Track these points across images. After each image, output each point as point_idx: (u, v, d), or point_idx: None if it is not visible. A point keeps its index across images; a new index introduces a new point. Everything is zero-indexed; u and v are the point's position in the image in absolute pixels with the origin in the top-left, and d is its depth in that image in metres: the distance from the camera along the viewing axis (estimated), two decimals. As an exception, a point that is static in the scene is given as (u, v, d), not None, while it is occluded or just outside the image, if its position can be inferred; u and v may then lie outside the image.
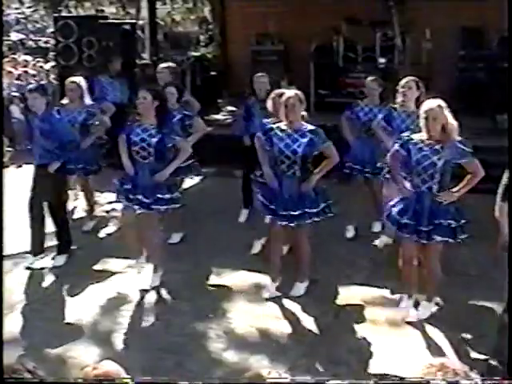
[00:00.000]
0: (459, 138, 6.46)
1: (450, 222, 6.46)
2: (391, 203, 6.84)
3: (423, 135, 6.49)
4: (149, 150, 7.46)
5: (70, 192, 9.72)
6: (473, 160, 6.49)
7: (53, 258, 8.49)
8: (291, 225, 7.18)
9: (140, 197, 7.44)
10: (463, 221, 6.56)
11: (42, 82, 14.96)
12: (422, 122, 6.46)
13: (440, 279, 6.81)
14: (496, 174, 9.28)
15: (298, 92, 7.25)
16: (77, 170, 9.32)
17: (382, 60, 14.99)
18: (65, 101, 9.69)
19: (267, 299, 7.37)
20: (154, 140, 7.43)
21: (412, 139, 6.56)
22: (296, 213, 7.07)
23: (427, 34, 14.45)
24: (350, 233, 9.16)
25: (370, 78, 9.25)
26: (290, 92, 7.24)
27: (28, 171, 8.83)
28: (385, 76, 13.98)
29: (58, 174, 8.25)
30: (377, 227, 9.11)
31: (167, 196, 7.54)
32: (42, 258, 8.46)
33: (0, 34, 12.95)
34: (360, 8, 14.65)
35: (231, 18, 17.57)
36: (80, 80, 9.60)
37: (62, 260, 8.47)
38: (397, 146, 6.72)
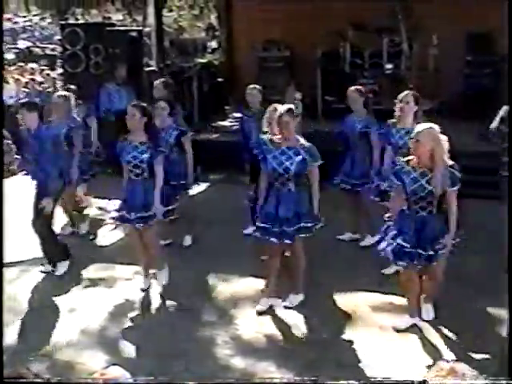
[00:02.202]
0: (449, 164, 6.32)
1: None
2: (390, 234, 6.66)
3: (413, 159, 6.43)
4: (142, 166, 7.55)
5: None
6: (455, 191, 6.35)
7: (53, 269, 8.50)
8: (286, 242, 7.15)
9: (134, 214, 7.55)
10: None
11: (49, 89, 15.03)
12: (411, 145, 6.43)
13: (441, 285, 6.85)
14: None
15: (291, 106, 7.19)
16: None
17: (388, 66, 15.00)
18: (53, 116, 9.63)
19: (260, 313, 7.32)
20: (146, 156, 7.52)
21: (403, 168, 6.48)
22: (290, 229, 7.02)
23: (434, 39, 14.45)
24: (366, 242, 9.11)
25: (351, 88, 9.17)
26: (282, 108, 7.15)
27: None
28: (392, 82, 14.08)
29: (57, 187, 8.24)
30: (367, 241, 9.05)
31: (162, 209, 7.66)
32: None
33: (0, 38, 13.01)
34: (366, 14, 14.65)
35: (237, 25, 17.59)
36: (67, 95, 9.64)
37: (63, 269, 8.44)
38: (394, 181, 6.67)
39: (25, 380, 3.13)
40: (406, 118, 7.96)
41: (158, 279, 7.91)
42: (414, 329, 6.78)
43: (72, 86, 10.79)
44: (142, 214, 7.54)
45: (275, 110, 7.40)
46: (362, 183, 8.86)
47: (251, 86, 9.57)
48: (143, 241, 7.79)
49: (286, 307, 7.32)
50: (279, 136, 7.12)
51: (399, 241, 6.47)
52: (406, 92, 8.12)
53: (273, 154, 7.09)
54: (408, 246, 6.42)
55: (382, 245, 6.68)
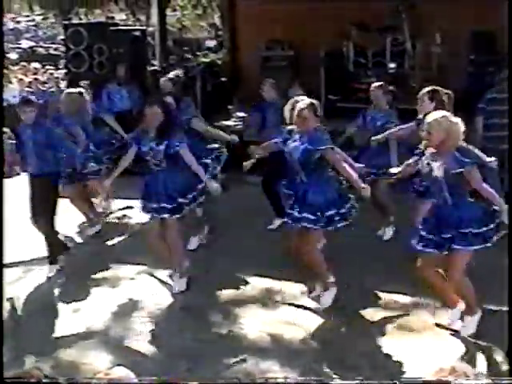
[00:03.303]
0: (460, 146, 6.26)
1: (471, 229, 6.23)
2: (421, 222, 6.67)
3: (427, 148, 6.42)
4: (159, 157, 7.57)
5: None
6: (470, 169, 6.19)
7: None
8: (295, 225, 7.17)
9: (156, 205, 7.56)
10: (492, 225, 6.33)
11: (53, 89, 15.05)
12: (424, 137, 6.42)
13: (471, 291, 6.59)
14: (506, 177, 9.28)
15: (315, 102, 7.22)
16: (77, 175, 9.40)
17: (392, 65, 14.99)
18: (63, 111, 9.70)
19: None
20: (162, 147, 7.53)
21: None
22: (299, 215, 7.05)
23: (437, 38, 14.43)
24: (387, 235, 9.25)
25: (374, 85, 9.28)
26: (304, 102, 7.19)
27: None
28: (395, 81, 14.06)
29: (53, 184, 8.31)
30: (387, 235, 9.16)
31: (180, 200, 7.61)
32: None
33: (1, 38, 12.99)
34: (370, 13, 14.66)
35: (241, 24, 17.58)
36: (78, 92, 9.65)
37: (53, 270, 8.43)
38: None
39: (25, 380, 3.14)
40: (423, 115, 7.92)
41: (177, 286, 7.89)
42: (417, 329, 6.78)
43: (86, 82, 10.72)
44: (166, 205, 7.56)
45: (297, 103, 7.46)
46: (376, 174, 8.89)
47: (267, 79, 9.75)
48: (165, 238, 7.79)
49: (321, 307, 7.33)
50: (296, 129, 7.20)
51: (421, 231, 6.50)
52: (422, 90, 8.09)
53: (287, 145, 7.23)
54: (425, 233, 6.42)
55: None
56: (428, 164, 6.39)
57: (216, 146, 9.22)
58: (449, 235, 6.30)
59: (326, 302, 7.37)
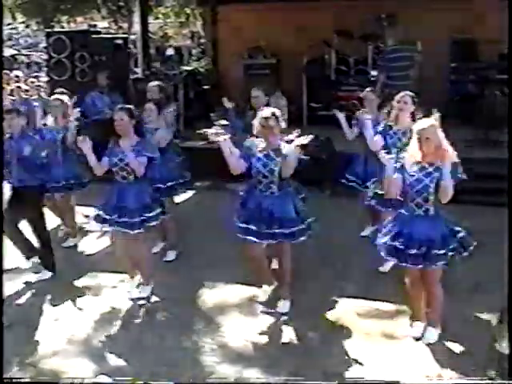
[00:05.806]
0: (454, 160, 6.39)
1: (450, 246, 6.28)
2: (384, 229, 6.59)
3: (415, 156, 6.35)
4: (127, 169, 7.54)
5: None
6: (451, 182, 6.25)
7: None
8: (273, 242, 7.14)
9: (125, 219, 7.50)
10: (461, 234, 6.37)
11: (34, 97, 14.99)
12: (414, 142, 6.35)
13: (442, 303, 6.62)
14: (488, 186, 9.44)
15: (275, 110, 7.20)
16: (59, 187, 9.38)
17: (374, 73, 15.05)
18: (48, 119, 9.70)
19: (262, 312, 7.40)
20: (130, 160, 7.46)
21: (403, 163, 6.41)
22: (277, 231, 7.00)
23: (418, 46, 14.50)
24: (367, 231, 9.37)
25: (367, 90, 9.38)
26: (265, 111, 7.18)
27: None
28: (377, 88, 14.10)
29: (37, 194, 8.30)
30: (366, 232, 9.26)
31: (148, 214, 7.57)
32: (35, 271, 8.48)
33: (0, 39, 12.98)
34: (352, 21, 14.73)
35: (223, 32, 17.60)
36: (64, 98, 9.62)
37: (47, 275, 8.48)
38: (397, 174, 6.57)
39: (25, 380, 3.14)
40: (404, 117, 7.93)
41: (141, 292, 7.89)
42: (399, 336, 6.79)
43: (65, 90, 10.68)
44: (130, 220, 7.50)
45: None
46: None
47: (254, 88, 9.69)
48: (130, 251, 7.77)
49: (282, 314, 7.31)
50: (263, 140, 7.16)
51: (391, 241, 6.42)
52: (402, 93, 8.10)
53: (257, 156, 7.13)
54: (400, 245, 6.34)
55: (379, 240, 6.59)
56: (415, 173, 6.35)
57: None
58: (428, 252, 6.26)
59: (284, 308, 7.39)
